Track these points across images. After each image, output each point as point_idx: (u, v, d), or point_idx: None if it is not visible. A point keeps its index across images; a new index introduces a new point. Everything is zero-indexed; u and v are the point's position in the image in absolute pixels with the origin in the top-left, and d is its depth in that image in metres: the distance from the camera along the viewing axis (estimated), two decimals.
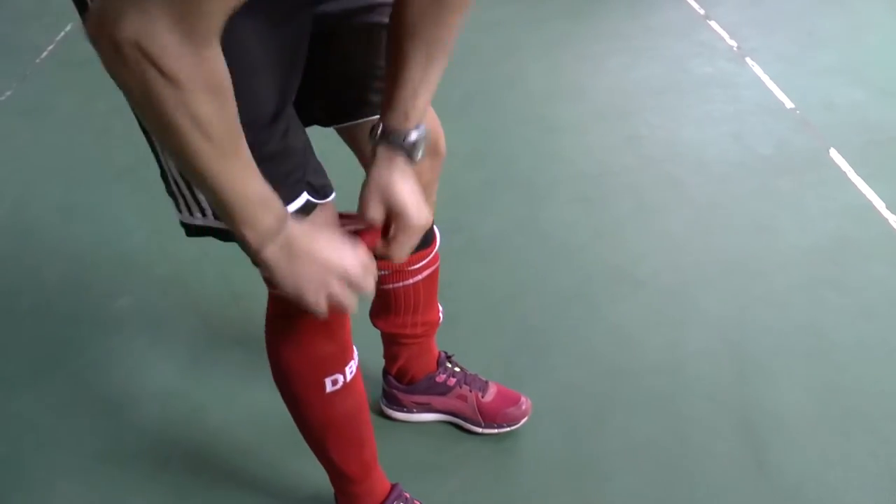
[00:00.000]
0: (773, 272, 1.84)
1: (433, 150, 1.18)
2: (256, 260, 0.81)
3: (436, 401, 1.47)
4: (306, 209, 0.90)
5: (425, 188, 1.20)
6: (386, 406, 1.50)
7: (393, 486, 1.28)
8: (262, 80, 0.83)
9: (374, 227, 0.96)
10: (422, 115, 0.94)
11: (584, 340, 1.68)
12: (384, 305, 1.33)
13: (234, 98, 0.71)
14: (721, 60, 2.74)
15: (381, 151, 0.94)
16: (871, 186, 2.07)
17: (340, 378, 1.07)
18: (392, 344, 1.41)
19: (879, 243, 1.90)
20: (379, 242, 0.97)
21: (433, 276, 1.32)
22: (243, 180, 0.75)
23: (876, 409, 1.50)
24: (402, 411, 1.49)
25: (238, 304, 1.80)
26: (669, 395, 1.55)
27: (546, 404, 1.51)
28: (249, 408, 1.55)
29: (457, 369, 1.47)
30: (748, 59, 2.72)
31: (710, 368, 1.60)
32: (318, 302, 0.84)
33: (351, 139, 1.14)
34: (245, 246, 0.80)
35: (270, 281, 0.85)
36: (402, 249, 0.96)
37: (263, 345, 1.10)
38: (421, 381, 1.45)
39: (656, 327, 1.70)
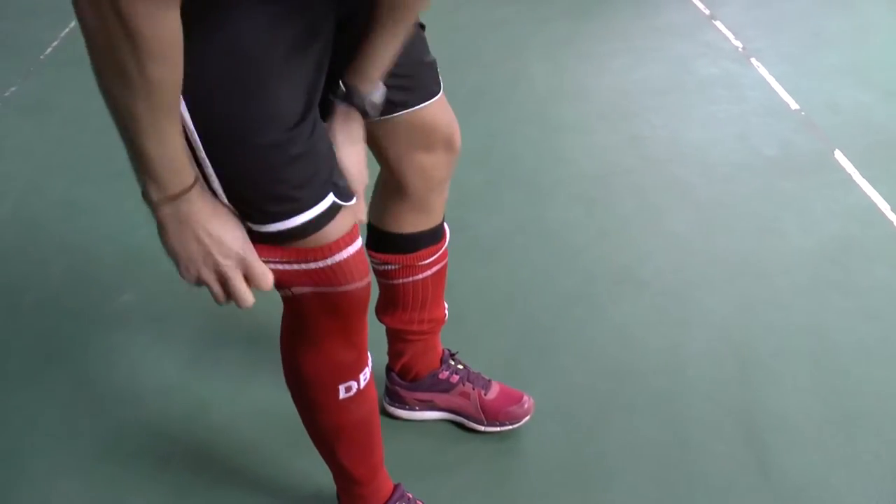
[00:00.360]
0: (777, 273, 1.83)
1: (448, 146, 1.18)
2: (152, 212, 0.84)
3: (439, 398, 1.46)
4: (332, 210, 0.89)
5: (439, 184, 1.22)
6: (389, 404, 1.49)
7: (395, 487, 1.27)
8: (281, 79, 0.83)
9: None
10: (383, 76, 0.98)
11: (587, 340, 1.68)
12: (391, 301, 1.33)
13: (182, 66, 0.73)
14: (726, 61, 2.73)
15: (340, 108, 0.98)
16: (875, 188, 2.07)
17: (354, 385, 1.06)
18: (397, 340, 1.40)
19: (884, 245, 1.90)
20: None
21: (441, 272, 1.32)
22: (166, 140, 0.77)
23: (879, 410, 1.50)
24: (405, 409, 1.49)
25: None
26: (672, 396, 1.54)
27: (548, 403, 1.51)
28: (252, 405, 1.55)
29: (460, 367, 1.47)
30: (753, 60, 2.72)
31: (713, 369, 1.60)
32: (186, 276, 0.90)
33: (368, 137, 1.14)
34: (145, 196, 0.83)
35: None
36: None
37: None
38: (424, 378, 1.45)
39: (659, 327, 1.70)
